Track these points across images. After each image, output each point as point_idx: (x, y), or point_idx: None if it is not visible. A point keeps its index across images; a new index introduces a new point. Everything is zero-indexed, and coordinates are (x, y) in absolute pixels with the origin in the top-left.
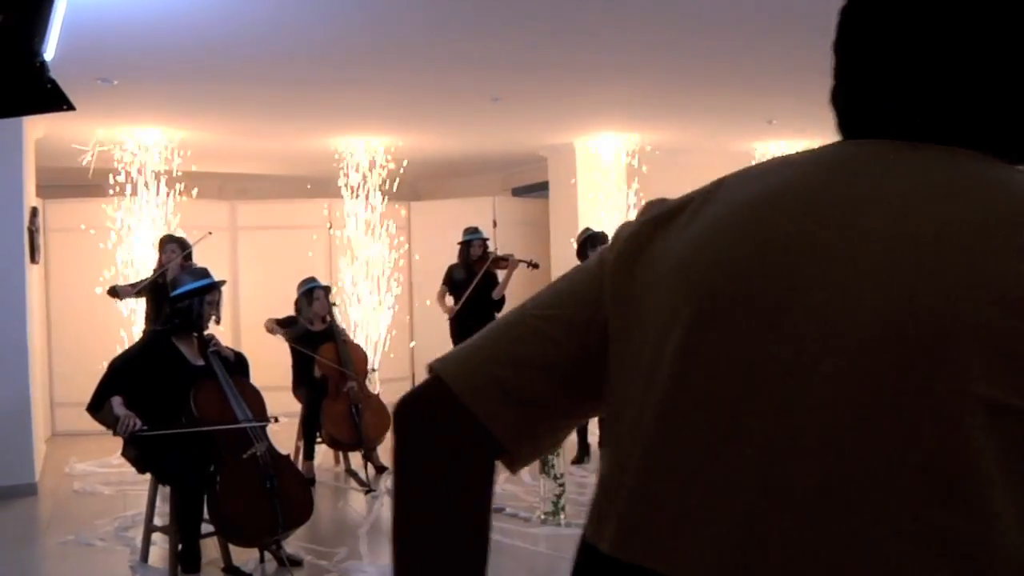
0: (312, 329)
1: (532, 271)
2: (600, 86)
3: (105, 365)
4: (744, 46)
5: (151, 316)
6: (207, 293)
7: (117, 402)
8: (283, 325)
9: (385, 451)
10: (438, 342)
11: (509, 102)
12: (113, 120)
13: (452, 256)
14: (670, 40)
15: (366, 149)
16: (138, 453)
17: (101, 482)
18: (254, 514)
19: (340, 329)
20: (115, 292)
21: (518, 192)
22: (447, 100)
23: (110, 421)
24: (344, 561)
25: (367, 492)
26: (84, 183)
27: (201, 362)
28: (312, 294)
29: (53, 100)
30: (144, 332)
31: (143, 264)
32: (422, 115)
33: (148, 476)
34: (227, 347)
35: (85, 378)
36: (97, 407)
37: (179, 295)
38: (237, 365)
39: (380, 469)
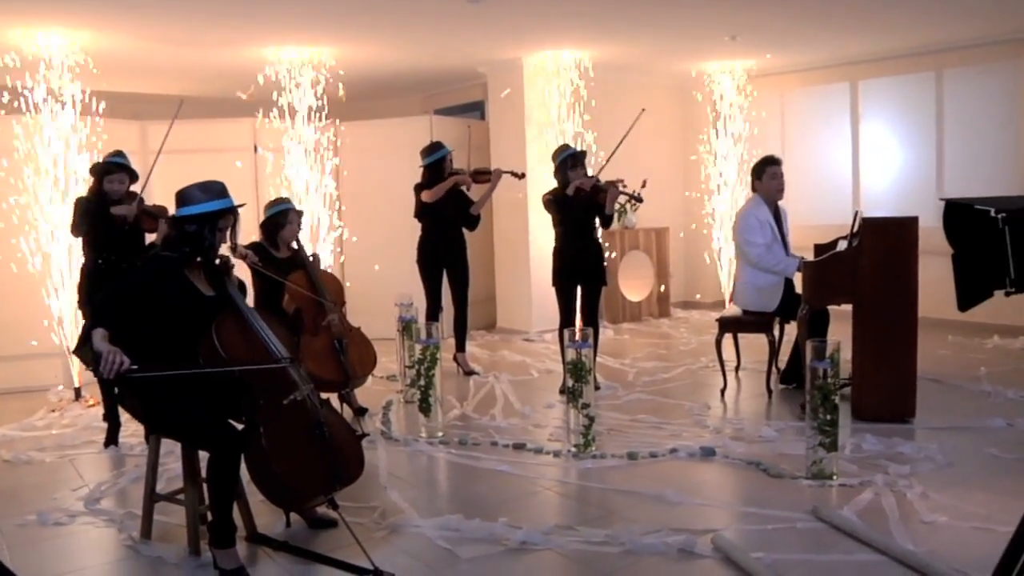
0: (277, 256)
1: (518, 181)
2: None
3: None
4: None
5: (89, 245)
6: (221, 217)
7: (99, 335)
8: (259, 255)
9: (361, 392)
10: (370, 271)
11: (459, 12)
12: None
13: (384, 179)
14: None
15: (300, 61)
16: (149, 410)
17: (33, 448)
18: (309, 470)
19: (308, 256)
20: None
21: (440, 114)
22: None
23: (88, 359)
24: (389, 517)
25: (361, 437)
26: None
27: (212, 293)
28: (285, 216)
29: None
30: (85, 265)
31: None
32: (363, 22)
33: (100, 437)
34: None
35: None
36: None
37: (188, 216)
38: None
39: (359, 411)
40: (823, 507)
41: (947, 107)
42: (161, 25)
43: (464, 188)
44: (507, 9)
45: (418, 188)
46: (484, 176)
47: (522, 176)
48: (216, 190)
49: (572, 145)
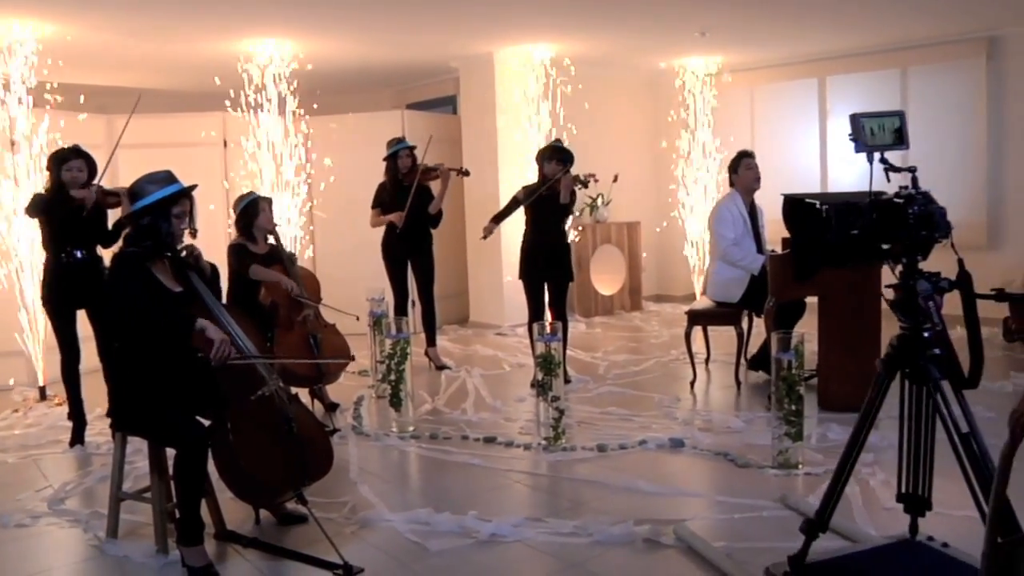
0: (255, 251)
1: (462, 178)
2: None
3: None
4: None
5: (49, 240)
6: (173, 204)
7: (203, 322)
8: (245, 256)
9: (333, 388)
10: (341, 266)
11: (431, 6)
12: None
13: (355, 173)
14: None
15: (271, 54)
16: (125, 411)
17: None
18: (277, 466)
19: (287, 251)
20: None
21: (413, 108)
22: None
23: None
24: (359, 512)
25: (331, 433)
26: None
27: (179, 288)
28: (256, 205)
29: None
30: (48, 260)
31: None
32: (335, 16)
33: (65, 436)
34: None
35: None
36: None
37: (141, 209)
38: (214, 284)
39: (331, 407)
40: (789, 495)
41: (911, 103)
42: (127, 18)
43: (428, 184)
44: (478, 3)
45: (379, 188)
46: (434, 174)
47: (467, 173)
48: (162, 178)
49: (560, 141)
